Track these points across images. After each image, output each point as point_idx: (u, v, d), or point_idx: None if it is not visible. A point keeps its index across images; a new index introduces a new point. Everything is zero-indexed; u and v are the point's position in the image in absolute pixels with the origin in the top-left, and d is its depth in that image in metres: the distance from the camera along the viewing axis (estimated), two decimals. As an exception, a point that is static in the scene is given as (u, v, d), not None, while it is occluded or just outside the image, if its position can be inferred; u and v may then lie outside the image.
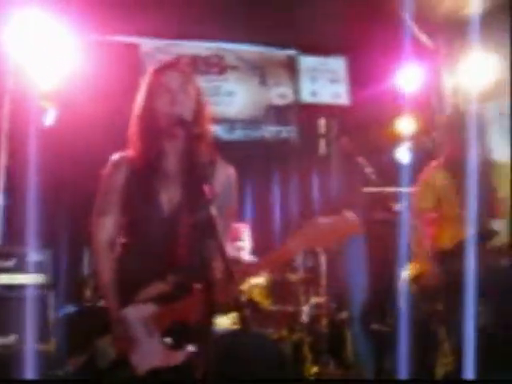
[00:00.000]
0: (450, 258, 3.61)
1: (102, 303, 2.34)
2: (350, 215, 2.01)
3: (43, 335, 3.98)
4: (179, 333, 2.14)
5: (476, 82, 5.69)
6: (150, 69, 2.40)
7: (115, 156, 2.39)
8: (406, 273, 3.75)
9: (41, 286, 4.19)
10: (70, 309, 3.99)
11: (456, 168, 3.66)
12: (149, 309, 2.19)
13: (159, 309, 2.18)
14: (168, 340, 2.15)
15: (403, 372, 3.93)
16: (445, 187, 3.73)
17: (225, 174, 2.39)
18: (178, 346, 2.15)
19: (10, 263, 4.18)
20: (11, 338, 3.98)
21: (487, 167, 3.68)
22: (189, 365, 2.09)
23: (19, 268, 4.18)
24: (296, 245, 2.03)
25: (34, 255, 4.24)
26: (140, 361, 2.16)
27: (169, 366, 2.14)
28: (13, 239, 4.56)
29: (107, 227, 2.32)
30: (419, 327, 3.68)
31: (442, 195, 3.74)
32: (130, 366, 2.16)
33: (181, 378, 2.11)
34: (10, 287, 4.13)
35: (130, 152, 2.37)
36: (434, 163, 3.87)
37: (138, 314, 2.19)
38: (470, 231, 3.53)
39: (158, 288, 2.22)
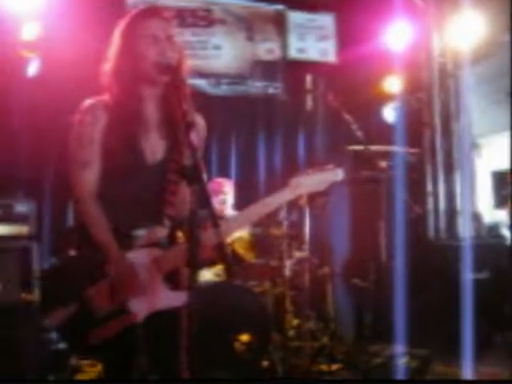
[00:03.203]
0: None
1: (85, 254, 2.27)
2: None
3: (27, 286, 4.00)
4: (177, 276, 2.17)
5: (465, 42, 5.68)
6: (133, 13, 2.33)
7: (88, 102, 2.27)
8: None
9: (25, 238, 4.19)
10: (55, 260, 4.00)
11: None
12: (152, 252, 2.21)
13: (161, 252, 2.21)
14: (168, 283, 2.20)
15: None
16: None
17: (201, 124, 2.39)
18: (177, 287, 2.18)
19: (-5, 214, 4.17)
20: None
21: None
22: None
23: (4, 219, 4.17)
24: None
25: (18, 206, 4.22)
26: (141, 305, 2.16)
27: (170, 307, 2.14)
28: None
29: (92, 179, 2.22)
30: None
31: None
32: (127, 313, 2.15)
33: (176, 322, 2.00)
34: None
35: (105, 97, 2.29)
36: None
37: (141, 257, 2.19)
38: None
39: (157, 231, 2.24)
